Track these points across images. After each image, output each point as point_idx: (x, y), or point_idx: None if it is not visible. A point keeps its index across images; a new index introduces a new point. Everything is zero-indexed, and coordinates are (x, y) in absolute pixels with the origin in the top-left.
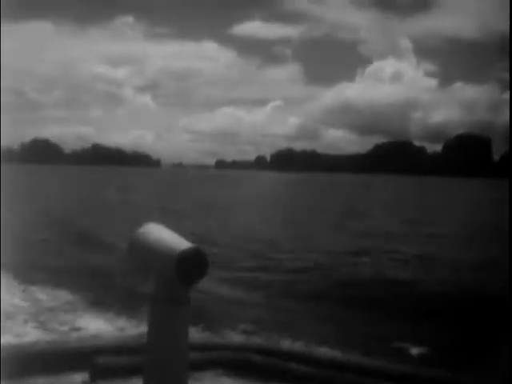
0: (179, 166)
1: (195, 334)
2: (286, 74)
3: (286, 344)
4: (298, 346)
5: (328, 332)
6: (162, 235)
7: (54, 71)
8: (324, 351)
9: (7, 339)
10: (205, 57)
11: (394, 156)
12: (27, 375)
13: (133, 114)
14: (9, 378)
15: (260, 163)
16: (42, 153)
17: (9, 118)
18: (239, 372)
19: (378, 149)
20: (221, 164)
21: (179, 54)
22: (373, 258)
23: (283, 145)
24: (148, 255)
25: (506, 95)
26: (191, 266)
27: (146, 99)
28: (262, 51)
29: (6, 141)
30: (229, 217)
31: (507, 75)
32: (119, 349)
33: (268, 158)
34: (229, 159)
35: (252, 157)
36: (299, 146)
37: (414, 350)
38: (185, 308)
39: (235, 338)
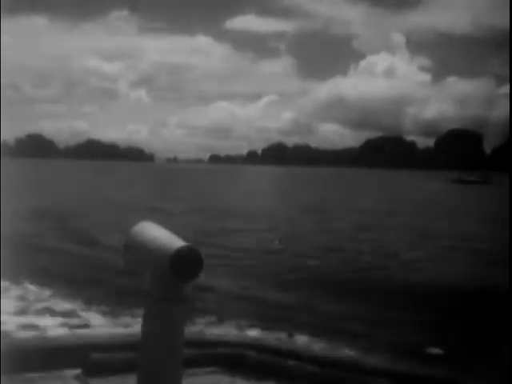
0: (173, 161)
1: (191, 331)
2: (279, 69)
3: (283, 340)
4: (294, 342)
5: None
6: (157, 233)
7: (49, 66)
8: (322, 348)
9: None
10: (199, 51)
11: (387, 150)
12: (22, 370)
13: (127, 109)
14: (4, 373)
15: (253, 158)
16: (36, 147)
17: (4, 112)
18: (234, 368)
19: (370, 143)
20: (214, 159)
21: (173, 49)
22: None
23: (276, 139)
24: (143, 253)
25: (499, 90)
26: (186, 264)
27: (141, 94)
28: (257, 45)
29: (1, 135)
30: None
31: (500, 70)
32: (114, 345)
33: (260, 152)
34: (222, 154)
35: (246, 151)
36: (293, 140)
37: (413, 350)
38: (180, 306)
39: (231, 334)
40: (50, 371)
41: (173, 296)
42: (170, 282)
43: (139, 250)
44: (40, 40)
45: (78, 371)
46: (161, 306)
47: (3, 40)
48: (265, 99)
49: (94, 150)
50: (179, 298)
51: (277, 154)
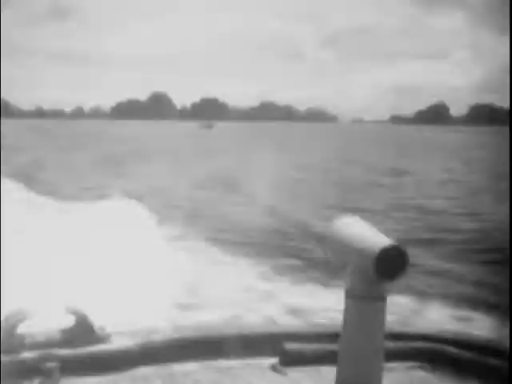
0: (359, 122)
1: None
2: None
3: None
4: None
5: None
6: (361, 229)
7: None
8: None
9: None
10: (383, 10)
11: None
12: (218, 357)
13: (312, 70)
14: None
15: (448, 118)
16: (210, 110)
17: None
18: (433, 365)
19: None
20: (396, 120)
21: (359, 8)
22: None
23: (468, 98)
24: (345, 248)
25: None
26: (390, 263)
27: (326, 55)
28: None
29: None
30: None
31: None
32: (306, 336)
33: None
34: (409, 113)
35: (436, 111)
36: (485, 99)
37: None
38: (380, 304)
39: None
40: (246, 359)
41: (374, 294)
42: (373, 281)
43: (340, 244)
44: None
45: (273, 360)
46: (361, 303)
47: None
48: (454, 56)
49: (271, 112)
50: (381, 296)
51: (473, 114)
